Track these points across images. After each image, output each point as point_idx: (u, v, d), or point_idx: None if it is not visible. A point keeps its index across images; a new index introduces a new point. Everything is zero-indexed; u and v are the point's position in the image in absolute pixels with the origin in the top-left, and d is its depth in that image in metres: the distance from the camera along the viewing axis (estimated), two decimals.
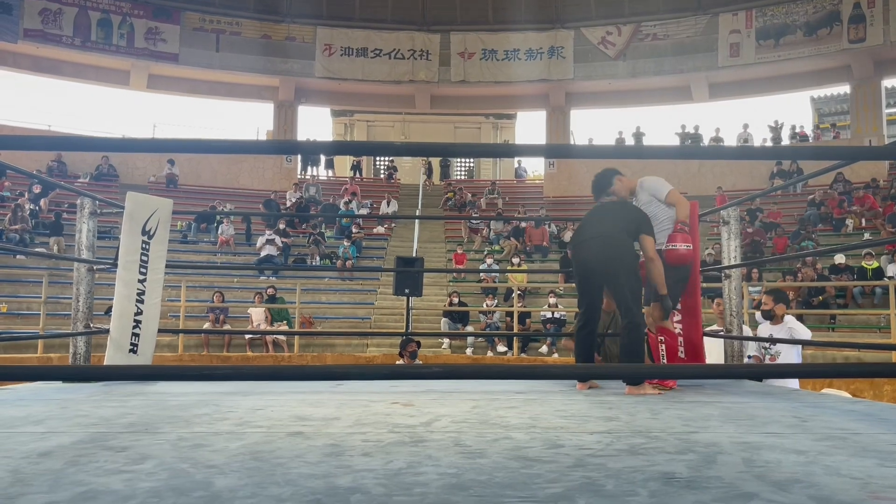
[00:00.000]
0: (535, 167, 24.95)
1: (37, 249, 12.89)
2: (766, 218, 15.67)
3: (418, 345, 8.03)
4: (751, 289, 11.15)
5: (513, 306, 11.85)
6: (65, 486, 1.57)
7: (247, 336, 11.57)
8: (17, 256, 13.52)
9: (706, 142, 19.42)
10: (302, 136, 21.94)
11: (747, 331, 5.41)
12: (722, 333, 4.68)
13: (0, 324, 11.23)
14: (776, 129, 19.42)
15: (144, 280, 4.15)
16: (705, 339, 4.54)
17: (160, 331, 4.47)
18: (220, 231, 15.73)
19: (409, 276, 8.88)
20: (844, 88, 21.09)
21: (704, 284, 4.92)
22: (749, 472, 1.75)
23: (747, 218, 15.11)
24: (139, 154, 19.19)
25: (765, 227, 15.21)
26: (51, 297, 10.70)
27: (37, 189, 15.81)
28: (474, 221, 16.83)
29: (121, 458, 1.87)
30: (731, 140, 19.40)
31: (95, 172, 18.01)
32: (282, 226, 15.72)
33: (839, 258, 12.36)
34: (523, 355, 11.47)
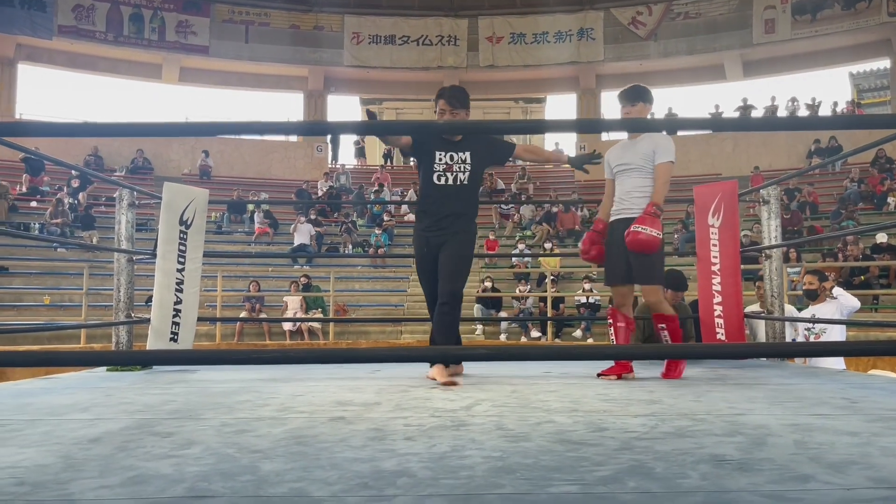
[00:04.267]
0: (568, 152, 24.71)
1: (76, 241, 13.18)
2: (805, 198, 15.33)
3: None
4: (789, 270, 10.93)
5: (546, 291, 11.78)
6: (115, 470, 1.59)
7: (285, 326, 11.68)
8: (59, 249, 13.81)
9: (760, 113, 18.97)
10: None
11: (792, 311, 5.31)
12: (763, 315, 4.60)
13: (43, 316, 11.49)
14: (814, 107, 18.95)
15: (183, 269, 4.20)
16: (747, 320, 4.47)
17: (198, 319, 4.52)
18: (256, 221, 15.89)
19: None
20: (885, 63, 20.49)
21: (742, 266, 4.83)
22: (802, 453, 1.71)
23: (785, 198, 14.81)
24: (173, 147, 19.43)
25: (802, 208, 14.89)
26: (92, 288, 10.91)
27: (75, 183, 16.13)
28: (505, 207, 16.75)
29: (167, 443, 1.89)
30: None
31: (131, 166, 18.28)
32: (312, 215, 15.81)
33: (881, 237, 12.05)
34: (557, 340, 11.42)
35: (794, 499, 1.35)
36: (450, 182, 3.46)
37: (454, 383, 3.12)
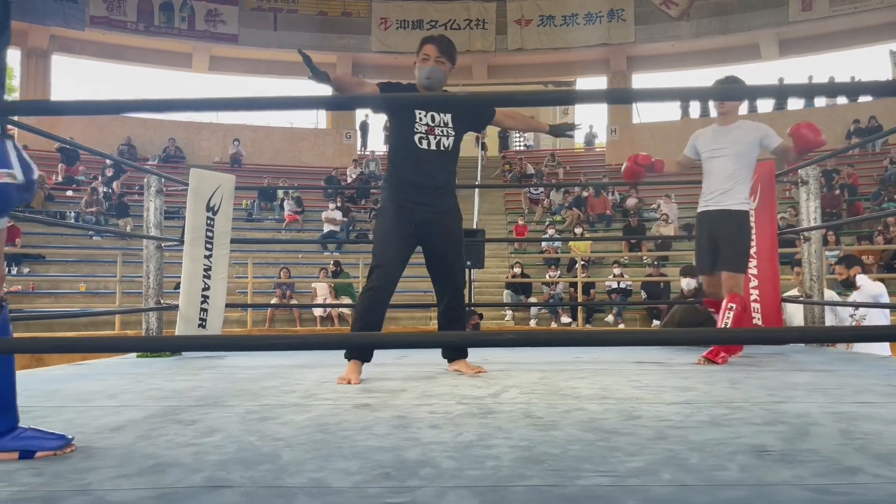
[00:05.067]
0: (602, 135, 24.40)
1: (110, 229, 13.37)
2: (844, 179, 14.92)
3: (481, 317, 7.98)
4: (828, 253, 10.66)
5: (576, 277, 11.66)
6: (135, 459, 1.56)
7: (316, 312, 11.73)
8: (94, 237, 14.02)
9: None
10: (360, 112, 21.96)
11: (833, 296, 5.14)
12: (801, 299, 4.46)
13: (80, 303, 11.68)
14: None
15: (210, 255, 4.20)
16: (784, 305, 4.34)
17: (228, 306, 4.52)
18: (286, 209, 15.96)
19: (470, 247, 8.76)
20: None
21: (780, 250, 4.68)
22: (848, 444, 1.62)
23: (823, 180, 14.42)
24: (204, 135, 19.61)
25: (841, 190, 14.50)
26: (126, 275, 11.06)
27: (109, 173, 16.35)
28: (534, 192, 16.59)
29: (190, 431, 1.87)
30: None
31: (163, 155, 18.47)
32: (339, 202, 15.81)
33: None
34: (588, 326, 11.30)
35: (842, 493, 1.27)
36: (432, 147, 3.02)
37: (482, 371, 3.06)
